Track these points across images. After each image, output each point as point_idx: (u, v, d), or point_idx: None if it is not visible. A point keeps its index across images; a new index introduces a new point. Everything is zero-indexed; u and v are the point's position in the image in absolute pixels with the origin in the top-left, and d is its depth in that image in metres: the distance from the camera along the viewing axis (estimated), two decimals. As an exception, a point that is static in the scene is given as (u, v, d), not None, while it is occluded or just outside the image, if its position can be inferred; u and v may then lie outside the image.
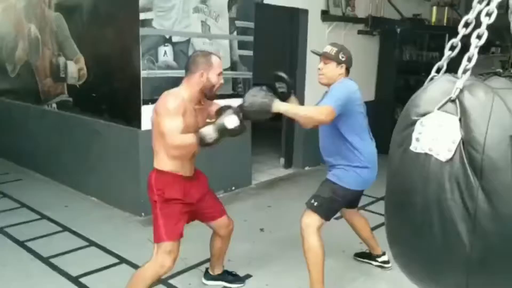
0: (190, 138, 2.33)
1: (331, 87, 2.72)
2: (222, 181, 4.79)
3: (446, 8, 7.45)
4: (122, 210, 4.36)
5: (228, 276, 3.08)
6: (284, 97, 2.67)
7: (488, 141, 1.13)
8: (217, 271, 3.07)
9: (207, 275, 3.10)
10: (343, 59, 2.72)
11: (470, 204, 1.13)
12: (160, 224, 2.47)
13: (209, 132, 2.31)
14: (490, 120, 1.14)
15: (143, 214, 4.22)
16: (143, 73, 4.03)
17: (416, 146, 1.22)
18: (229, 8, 4.68)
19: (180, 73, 4.29)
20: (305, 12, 5.63)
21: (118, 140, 4.40)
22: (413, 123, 1.25)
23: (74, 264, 3.30)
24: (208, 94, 2.51)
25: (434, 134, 1.19)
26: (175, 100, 2.38)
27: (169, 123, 2.33)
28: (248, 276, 3.20)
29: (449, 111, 1.20)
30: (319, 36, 5.80)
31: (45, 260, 3.38)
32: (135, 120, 4.13)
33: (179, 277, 3.19)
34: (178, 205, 2.51)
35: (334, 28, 5.93)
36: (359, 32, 6.39)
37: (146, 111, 4.09)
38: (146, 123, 4.11)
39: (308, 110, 2.68)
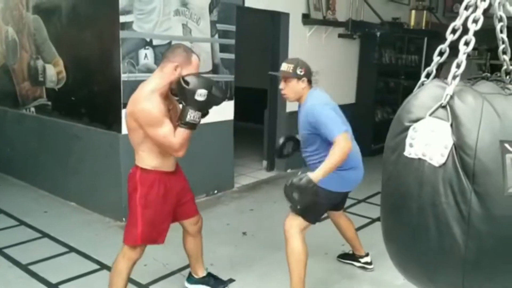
0: (182, 131, 2.31)
1: (310, 112, 2.70)
2: (204, 184, 4.77)
3: (425, 11, 7.58)
4: (103, 215, 4.30)
5: (211, 279, 3.04)
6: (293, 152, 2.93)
7: (479, 145, 1.16)
8: (200, 273, 3.02)
9: (190, 279, 3.06)
10: (302, 73, 2.71)
11: (463, 207, 1.17)
12: (139, 225, 2.45)
13: (190, 114, 2.29)
14: (481, 125, 1.18)
15: (124, 219, 4.17)
16: (124, 76, 3.98)
17: (410, 152, 1.25)
18: (210, 11, 4.67)
19: (161, 76, 4.28)
20: (286, 15, 5.65)
21: (98, 144, 4.34)
22: (406, 129, 1.27)
23: (53, 271, 3.24)
24: (172, 89, 2.41)
25: (427, 140, 1.22)
26: (152, 106, 2.29)
27: (160, 132, 2.30)
28: (231, 280, 3.19)
29: (440, 117, 1.23)
30: (300, 39, 5.83)
31: (24, 267, 3.31)
32: (116, 124, 4.08)
33: (161, 282, 3.17)
34: (158, 208, 2.49)
35: (315, 31, 5.96)
36: (340, 35, 6.44)
37: (127, 114, 4.06)
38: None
39: (335, 157, 2.53)
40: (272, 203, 4.88)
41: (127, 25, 3.97)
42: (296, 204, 2.52)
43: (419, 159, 1.23)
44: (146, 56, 4.14)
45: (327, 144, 2.63)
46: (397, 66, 7.11)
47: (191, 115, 2.30)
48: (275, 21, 5.72)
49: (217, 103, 2.45)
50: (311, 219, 2.82)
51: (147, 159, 2.44)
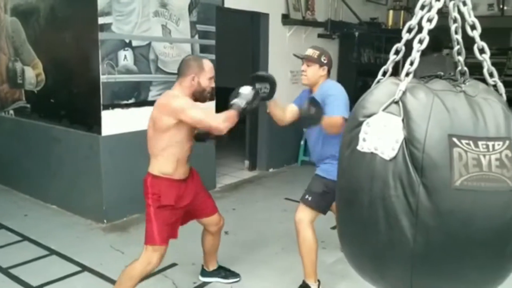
0: (227, 112, 2.44)
1: (325, 90, 2.80)
2: (186, 185, 4.78)
3: (402, 11, 7.68)
4: (84, 218, 4.29)
5: (221, 272, 3.16)
6: (268, 97, 2.79)
7: (428, 140, 1.19)
8: (212, 267, 3.14)
9: (203, 272, 3.17)
10: (325, 62, 2.85)
11: (412, 200, 1.19)
12: (154, 228, 2.54)
13: (239, 101, 2.48)
14: (430, 120, 1.20)
15: (105, 221, 4.16)
16: (103, 78, 3.98)
17: (363, 146, 1.27)
18: (190, 12, 4.69)
19: (141, 77, 4.29)
20: (266, 16, 5.69)
21: (79, 146, 4.32)
22: (360, 124, 1.30)
23: (34, 274, 3.23)
24: (198, 97, 2.56)
25: (379, 134, 1.24)
26: (181, 96, 2.45)
27: (197, 111, 2.40)
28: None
29: (393, 112, 1.25)
30: (280, 39, 5.88)
31: (4, 271, 3.29)
32: (96, 126, 4.08)
33: (143, 283, 3.17)
34: (172, 211, 2.58)
35: (295, 31, 6.02)
36: (319, 35, 6.51)
37: (107, 116, 4.06)
38: (106, 128, 4.07)
39: (329, 119, 2.67)
40: (254, 202, 4.92)
41: (106, 27, 3.96)
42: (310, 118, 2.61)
43: (371, 153, 1.25)
44: (125, 57, 4.14)
45: (333, 144, 2.73)
46: (375, 66, 7.18)
47: (240, 101, 2.49)
48: (255, 21, 5.76)
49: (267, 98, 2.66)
50: (321, 209, 2.92)
51: (160, 166, 2.54)
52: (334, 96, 2.76)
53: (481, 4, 7.87)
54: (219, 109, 5.06)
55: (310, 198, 2.88)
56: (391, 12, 7.63)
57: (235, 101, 2.48)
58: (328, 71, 2.91)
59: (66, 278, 3.21)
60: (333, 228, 4.15)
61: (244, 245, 3.78)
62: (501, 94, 1.38)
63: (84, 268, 3.35)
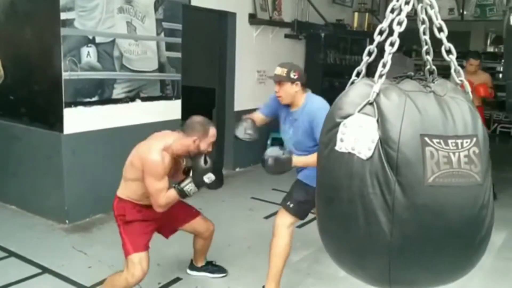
0: (173, 195, 2.57)
1: (311, 112, 2.74)
2: (151, 184, 4.72)
3: (367, 14, 7.84)
4: (45, 218, 4.16)
5: (209, 267, 3.26)
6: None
7: (402, 139, 1.25)
8: (200, 263, 3.24)
9: (192, 266, 3.26)
10: (295, 77, 2.76)
11: (388, 197, 1.25)
12: (125, 241, 2.63)
13: (190, 186, 2.56)
14: (403, 120, 1.26)
15: (67, 221, 4.06)
16: (65, 75, 3.88)
17: (341, 146, 1.32)
18: (156, 9, 4.63)
19: (104, 74, 4.21)
20: (233, 15, 5.69)
21: (39, 145, 4.20)
22: (337, 124, 1.34)
23: (-8, 277, 3.12)
24: (191, 155, 2.65)
25: (356, 135, 1.29)
26: (163, 162, 2.51)
27: (156, 185, 2.51)
28: (177, 279, 3.19)
29: (368, 113, 1.31)
30: (247, 39, 5.89)
31: (-41, 275, 3.16)
32: (57, 124, 3.97)
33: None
34: (139, 224, 2.67)
35: (262, 31, 6.04)
36: (286, 36, 6.56)
37: (69, 114, 3.96)
38: (69, 127, 3.98)
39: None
40: (220, 202, 4.90)
41: (69, 22, 3.87)
42: (266, 169, 2.70)
43: (349, 153, 1.30)
44: (88, 54, 4.05)
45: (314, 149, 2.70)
46: (341, 67, 7.32)
47: (191, 187, 2.57)
48: (222, 20, 5.75)
49: (211, 188, 2.68)
50: (301, 215, 2.92)
51: (128, 192, 2.67)
52: (319, 119, 2.63)
53: (442, 8, 8.12)
54: (184, 107, 5.03)
55: (291, 206, 2.86)
56: (356, 14, 7.77)
57: (185, 183, 2.58)
58: (303, 85, 2.82)
59: (26, 280, 3.12)
60: (299, 227, 4.19)
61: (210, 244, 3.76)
62: (467, 93, 1.45)
63: (45, 270, 3.26)
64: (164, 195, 2.54)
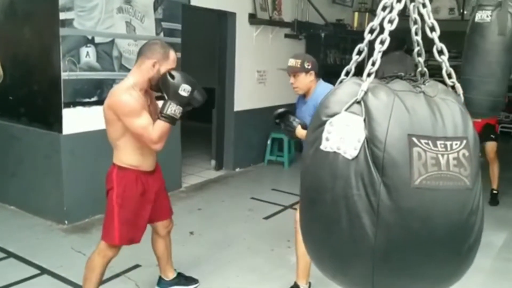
0: (161, 124, 2.34)
1: (317, 97, 2.76)
2: (151, 185, 4.70)
3: (367, 13, 7.83)
4: (44, 219, 4.16)
5: (181, 279, 3.05)
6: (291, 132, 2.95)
7: (389, 139, 1.20)
8: (170, 275, 3.00)
9: (161, 283, 3.02)
10: (309, 67, 2.84)
11: (373, 199, 1.20)
12: (115, 225, 2.46)
13: (172, 107, 2.33)
14: (391, 120, 1.22)
15: (66, 222, 4.05)
16: (64, 75, 3.87)
17: (326, 145, 1.28)
18: (155, 9, 4.62)
19: (103, 74, 4.20)
20: (233, 15, 5.68)
21: (39, 145, 4.19)
22: (323, 123, 1.30)
23: (-10, 278, 3.11)
24: (153, 85, 2.45)
25: (342, 134, 1.25)
26: (131, 97, 2.33)
27: (139, 122, 2.31)
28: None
29: (355, 112, 1.27)
30: (247, 39, 5.88)
31: (-43, 275, 3.16)
32: (56, 124, 3.97)
33: (105, 285, 3.10)
34: (135, 206, 2.50)
35: (262, 31, 6.03)
36: (286, 36, 6.55)
37: (68, 114, 3.95)
38: (68, 127, 3.97)
39: None
40: (220, 202, 4.90)
41: (68, 22, 3.86)
42: (275, 116, 2.92)
43: (334, 152, 1.26)
44: (88, 54, 4.04)
45: None
46: (341, 67, 7.18)
47: (173, 108, 2.33)
48: (222, 20, 5.74)
49: (197, 103, 2.48)
50: None
51: (125, 157, 2.45)
52: None
53: (443, 8, 8.10)
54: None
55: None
56: (356, 14, 7.76)
57: (165, 107, 2.36)
58: (316, 74, 2.91)
59: (25, 281, 3.11)
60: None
61: (209, 245, 3.76)
62: (459, 95, 1.41)
63: (44, 270, 3.25)
64: (152, 129, 2.33)
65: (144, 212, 2.56)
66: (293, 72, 2.86)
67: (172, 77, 2.35)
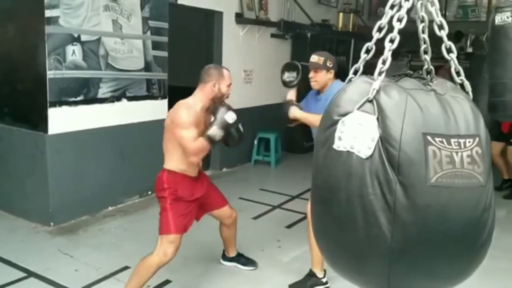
0: (202, 142, 2.63)
1: (332, 93, 2.82)
2: (137, 185, 4.63)
3: (351, 14, 7.88)
4: (29, 221, 4.07)
5: (241, 258, 3.41)
6: (290, 86, 3.23)
7: (404, 138, 1.21)
8: (231, 254, 3.40)
9: (224, 256, 3.43)
10: (330, 66, 3.01)
11: (389, 197, 1.21)
12: (169, 218, 2.71)
13: (214, 131, 2.62)
14: (405, 118, 1.22)
15: (52, 223, 3.98)
16: (49, 74, 3.80)
17: (339, 145, 1.27)
18: (142, 7, 4.57)
19: (90, 73, 4.13)
20: (220, 14, 5.65)
21: (23, 145, 4.10)
22: (335, 122, 1.30)
23: (-26, 282, 3.03)
24: (217, 102, 2.76)
25: (355, 133, 1.25)
26: (188, 113, 2.64)
27: (185, 134, 2.62)
28: (167, 282, 3.14)
29: (367, 111, 1.27)
30: (234, 38, 5.86)
31: None
32: (42, 124, 3.89)
33: (97, 287, 3.06)
34: (186, 203, 2.78)
35: (248, 30, 6.02)
36: (272, 35, 6.55)
37: (54, 114, 3.88)
38: (53, 127, 3.89)
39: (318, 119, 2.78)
40: (207, 202, 4.86)
41: (53, 20, 3.79)
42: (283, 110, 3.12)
43: (348, 151, 1.26)
44: (74, 52, 3.98)
45: None
46: (326, 67, 7.32)
47: (214, 131, 2.63)
48: (209, 19, 5.71)
49: (233, 141, 2.82)
50: None
51: (173, 162, 2.76)
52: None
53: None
54: (171, 107, 4.99)
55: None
56: (341, 14, 7.81)
57: (210, 129, 2.65)
58: (335, 73, 3.05)
59: (10, 285, 3.04)
60: (288, 227, 4.18)
61: (198, 246, 3.72)
62: (467, 92, 1.42)
63: (30, 274, 3.18)
64: (193, 142, 2.61)
65: (191, 208, 2.83)
66: (315, 68, 3.01)
67: (224, 106, 2.69)
